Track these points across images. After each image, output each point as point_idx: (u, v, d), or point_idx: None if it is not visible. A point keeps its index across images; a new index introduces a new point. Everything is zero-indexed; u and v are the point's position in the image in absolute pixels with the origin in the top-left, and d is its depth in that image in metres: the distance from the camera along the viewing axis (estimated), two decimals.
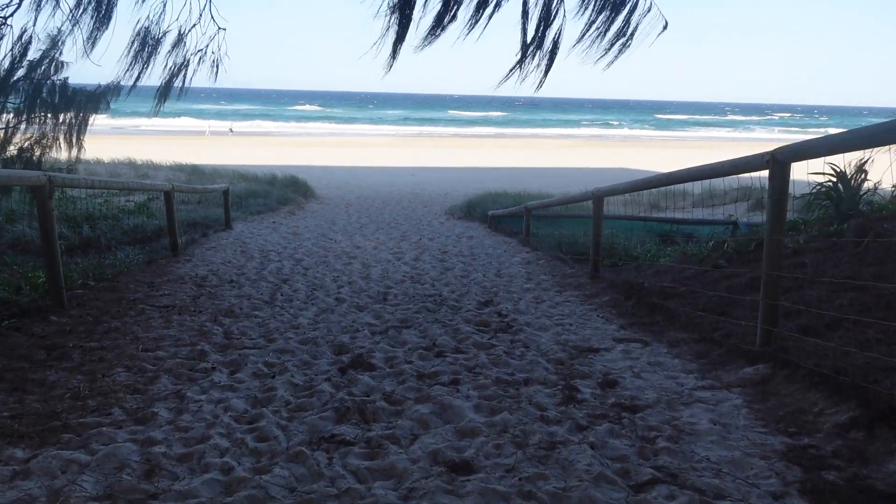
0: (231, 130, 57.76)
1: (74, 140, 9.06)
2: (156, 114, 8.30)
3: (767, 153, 4.13)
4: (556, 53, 6.40)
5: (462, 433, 3.27)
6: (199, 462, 2.89)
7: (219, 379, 3.95)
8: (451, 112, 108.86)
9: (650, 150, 47.56)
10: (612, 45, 6.29)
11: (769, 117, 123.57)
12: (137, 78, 7.33)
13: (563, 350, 4.70)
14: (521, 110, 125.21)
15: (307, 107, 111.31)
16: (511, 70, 6.51)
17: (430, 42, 6.15)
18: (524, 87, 6.65)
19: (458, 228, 13.42)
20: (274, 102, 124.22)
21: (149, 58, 7.22)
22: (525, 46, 6.24)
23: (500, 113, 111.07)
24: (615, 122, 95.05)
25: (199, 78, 8.23)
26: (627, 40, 6.26)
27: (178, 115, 71.08)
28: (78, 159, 10.34)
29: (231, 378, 4.01)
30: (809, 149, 3.90)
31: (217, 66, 7.82)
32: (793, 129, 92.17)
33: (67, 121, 9.02)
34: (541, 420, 3.42)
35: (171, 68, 7.52)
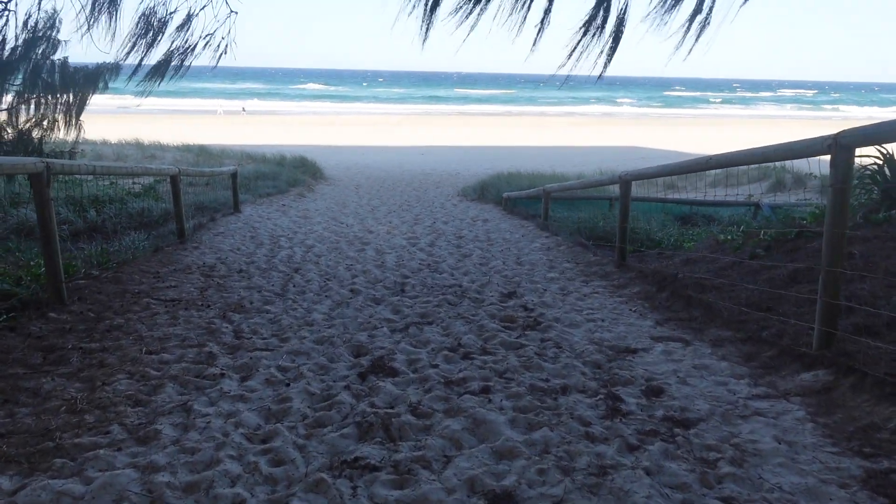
0: (244, 110, 57.69)
1: (73, 121, 8.70)
2: (147, 94, 7.95)
3: (829, 137, 3.73)
4: (621, 32, 5.92)
5: (499, 454, 2.93)
6: (208, 493, 2.57)
7: (229, 387, 3.62)
8: (458, 90, 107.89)
9: (661, 128, 46.90)
10: (690, 23, 5.77)
11: (778, 94, 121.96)
12: (141, 61, 6.96)
13: (598, 351, 4.36)
14: (528, 87, 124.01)
15: (312, 85, 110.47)
16: (573, 51, 6.04)
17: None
18: (580, 68, 6.20)
19: (473, 211, 13.05)
20: (278, 81, 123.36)
21: (153, 41, 6.84)
22: (587, 23, 5.77)
23: (506, 91, 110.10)
24: (624, 100, 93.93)
25: (201, 60, 7.89)
26: (706, 17, 5.73)
27: (186, 94, 70.83)
28: (77, 140, 9.99)
29: (242, 386, 3.68)
30: (881, 133, 3.51)
31: (224, 51, 7.45)
32: (805, 106, 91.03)
33: (66, 101, 8.68)
34: (586, 438, 3.08)
35: (173, 51, 7.13)
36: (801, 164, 19.90)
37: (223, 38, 7.55)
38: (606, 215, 11.04)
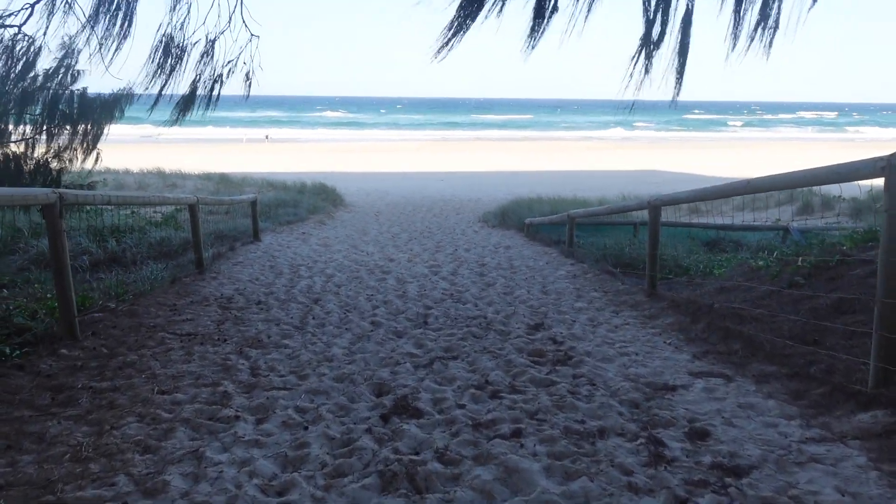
0: (267, 138, 58.43)
1: (91, 150, 8.64)
2: (172, 125, 7.83)
3: (882, 158, 3.49)
4: (687, 48, 5.65)
5: None
6: None
7: (243, 431, 3.40)
8: (474, 116, 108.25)
9: (680, 152, 46.56)
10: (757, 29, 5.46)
11: (798, 116, 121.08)
12: (161, 89, 6.86)
13: (634, 388, 4.10)
14: (544, 112, 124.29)
15: (331, 113, 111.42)
16: (633, 68, 5.77)
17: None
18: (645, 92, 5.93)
19: (494, 237, 12.83)
20: (298, 109, 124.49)
21: (172, 70, 6.74)
22: (647, 42, 5.53)
23: (523, 116, 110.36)
24: (641, 124, 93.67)
25: (230, 88, 7.78)
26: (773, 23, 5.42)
27: (208, 123, 71.52)
28: (93, 170, 9.94)
29: (257, 429, 3.46)
30: None
31: (250, 79, 7.31)
32: (827, 128, 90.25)
33: (84, 131, 8.63)
34: (629, 489, 2.83)
35: (197, 80, 7.02)
36: (828, 187, 19.51)
37: (245, 64, 7.42)
38: (632, 241, 10.78)
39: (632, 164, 37.70)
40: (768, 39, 5.43)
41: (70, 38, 7.94)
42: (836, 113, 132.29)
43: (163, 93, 7.78)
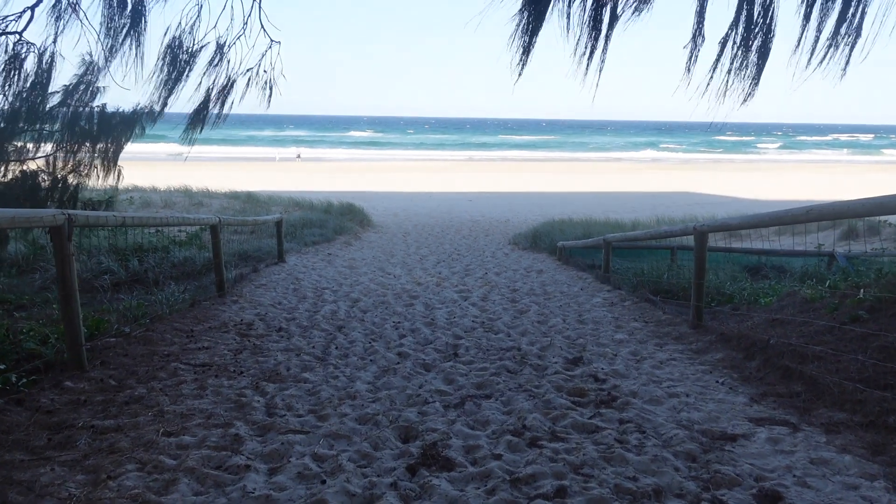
0: (299, 157, 59.00)
1: (112, 167, 8.42)
2: (190, 143, 7.55)
3: None
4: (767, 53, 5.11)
5: None
6: None
7: (253, 484, 3.03)
8: (502, 136, 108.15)
9: (712, 174, 45.83)
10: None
11: (831, 138, 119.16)
12: (165, 102, 6.54)
13: (690, 437, 3.67)
14: (573, 133, 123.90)
15: (358, 133, 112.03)
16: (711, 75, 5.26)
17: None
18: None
19: (525, 261, 12.43)
20: (326, 128, 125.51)
21: (178, 78, 6.40)
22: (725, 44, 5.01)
23: (550, 136, 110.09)
24: (671, 145, 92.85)
25: (248, 103, 7.46)
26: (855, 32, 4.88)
27: (238, 143, 72.76)
28: (116, 187, 9.75)
29: (269, 482, 3.09)
30: None
31: (270, 89, 6.95)
32: (862, 150, 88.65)
33: (103, 148, 8.42)
34: None
35: (210, 89, 6.69)
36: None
37: (265, 72, 7.05)
38: (670, 267, 10.32)
39: (663, 185, 37.12)
40: (845, 54, 4.93)
41: (90, 55, 7.75)
42: (873, 135, 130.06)
43: (168, 103, 7.48)
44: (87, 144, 8.18)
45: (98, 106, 8.07)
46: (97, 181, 10.31)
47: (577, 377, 4.89)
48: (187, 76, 6.62)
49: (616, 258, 11.37)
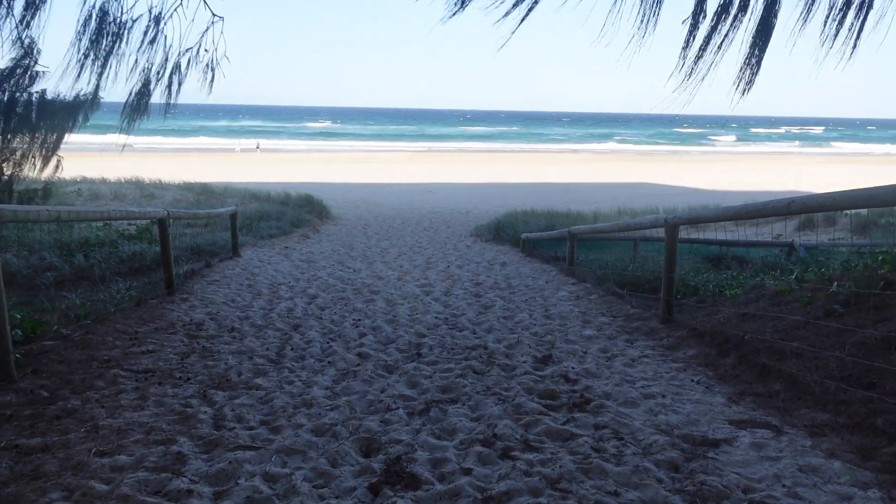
0: (258, 147, 58.19)
1: (50, 157, 7.92)
2: (128, 131, 7.07)
3: None
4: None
5: None
6: None
7: None
8: (463, 128, 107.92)
9: (672, 165, 46.25)
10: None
11: (786, 130, 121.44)
12: (98, 85, 6.03)
13: (670, 443, 3.44)
14: (533, 125, 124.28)
15: (318, 123, 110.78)
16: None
17: None
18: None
19: (489, 253, 12.19)
20: (283, 119, 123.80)
21: (108, 54, 5.89)
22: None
23: (511, 128, 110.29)
24: (629, 137, 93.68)
25: (189, 88, 6.99)
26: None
27: (192, 133, 71.50)
28: (52, 178, 9.24)
29: None
30: None
31: (213, 72, 6.45)
32: (813, 143, 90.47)
33: (42, 137, 7.92)
34: None
35: (147, 69, 6.19)
36: None
37: (206, 52, 6.50)
38: (634, 258, 10.17)
39: (622, 176, 37.27)
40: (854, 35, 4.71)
41: (29, 37, 7.25)
42: (822, 128, 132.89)
43: (101, 85, 6.95)
44: (25, 133, 7.66)
45: (37, 92, 7.55)
46: (34, 172, 9.77)
47: (547, 378, 4.65)
48: (118, 51, 6.08)
49: (579, 249, 11.20)
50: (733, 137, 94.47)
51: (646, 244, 12.33)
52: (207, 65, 6.37)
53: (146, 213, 7.52)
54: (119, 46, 6.00)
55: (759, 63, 5.03)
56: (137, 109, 6.68)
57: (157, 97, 6.69)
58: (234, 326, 6.11)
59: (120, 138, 6.97)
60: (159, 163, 36.40)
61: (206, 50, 6.41)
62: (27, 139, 7.71)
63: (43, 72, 7.39)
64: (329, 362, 5.04)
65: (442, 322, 6.52)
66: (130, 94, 6.44)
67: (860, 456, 3.27)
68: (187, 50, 6.28)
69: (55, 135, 7.71)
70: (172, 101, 6.74)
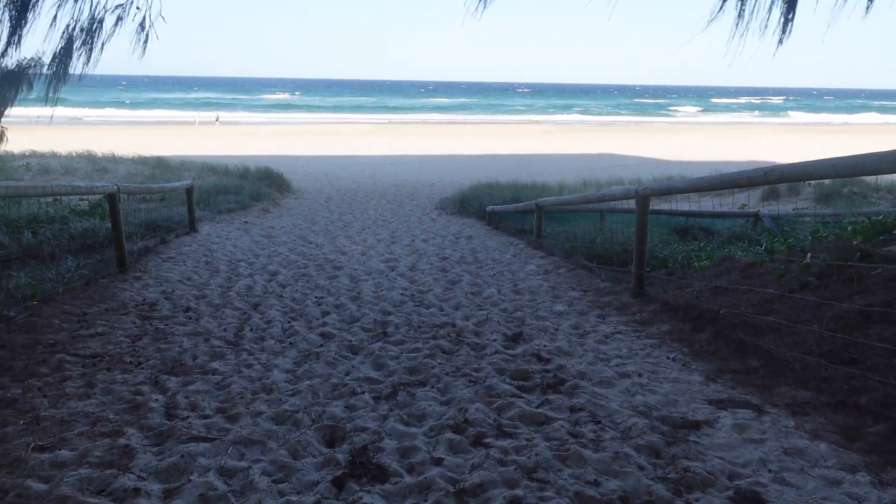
0: (217, 120, 57.18)
1: None
2: (53, 102, 6.65)
3: None
4: None
5: None
6: None
7: None
8: (424, 100, 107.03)
9: (634, 136, 46.37)
10: None
11: (747, 101, 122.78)
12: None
13: (649, 426, 3.29)
14: (494, 96, 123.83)
15: (276, 95, 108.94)
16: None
17: None
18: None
19: (454, 226, 11.98)
20: (241, 90, 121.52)
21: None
22: None
23: (472, 99, 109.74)
24: (592, 108, 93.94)
25: (119, 49, 6.47)
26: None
27: (149, 105, 69.92)
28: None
29: None
30: None
31: (146, 32, 5.97)
32: (772, 113, 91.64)
33: None
34: None
35: (70, 27, 5.71)
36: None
37: (138, 9, 5.97)
38: (602, 230, 10.05)
39: (585, 147, 37.22)
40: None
41: None
42: (782, 98, 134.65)
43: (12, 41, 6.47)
44: None
45: None
46: None
47: (518, 357, 4.47)
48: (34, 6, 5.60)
49: (546, 222, 11.04)
50: (696, 108, 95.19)
51: (613, 216, 12.24)
52: (141, 24, 5.89)
53: (94, 187, 7.13)
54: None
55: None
56: (57, 76, 6.21)
57: (80, 63, 6.19)
58: (189, 306, 5.82)
59: (46, 110, 6.51)
60: (113, 136, 35.38)
61: (138, 7, 5.92)
62: None
63: None
64: (290, 343, 4.81)
65: (408, 299, 6.31)
66: (53, 56, 5.95)
67: (845, 436, 3.15)
68: (117, 6, 5.79)
69: None
70: (91, 62, 6.24)
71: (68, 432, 3.16)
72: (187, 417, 3.39)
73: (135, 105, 71.15)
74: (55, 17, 5.82)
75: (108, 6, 5.85)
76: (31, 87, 7.65)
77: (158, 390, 3.78)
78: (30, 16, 5.55)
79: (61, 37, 5.64)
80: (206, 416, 3.43)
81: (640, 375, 4.08)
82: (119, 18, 5.61)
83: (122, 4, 5.61)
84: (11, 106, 7.68)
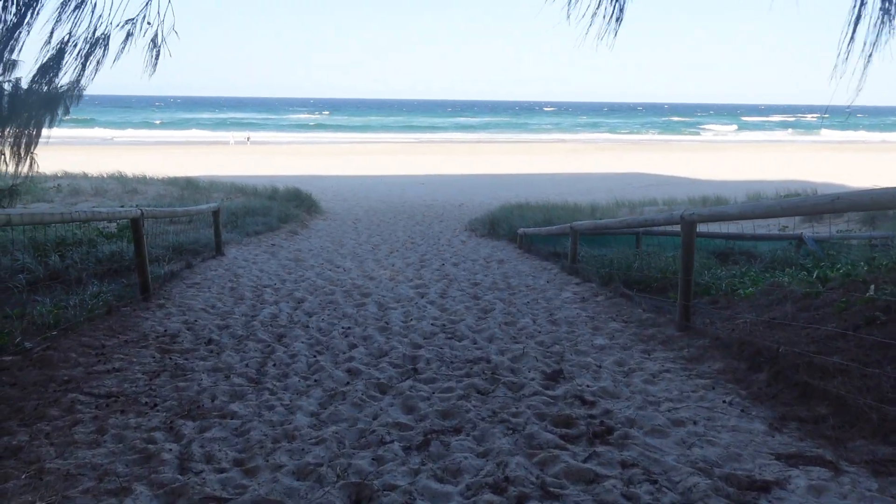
0: (248, 140, 58.10)
1: (23, 153, 7.32)
2: (55, 124, 6.46)
3: None
4: None
5: None
6: None
7: None
8: (451, 119, 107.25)
9: (662, 155, 45.81)
10: None
11: (783, 119, 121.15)
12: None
13: (712, 486, 2.94)
14: (520, 115, 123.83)
15: (305, 115, 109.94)
16: None
17: None
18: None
19: (484, 249, 11.67)
20: (269, 111, 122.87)
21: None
22: None
23: (498, 118, 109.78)
24: (618, 126, 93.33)
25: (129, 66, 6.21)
26: None
27: (180, 126, 70.97)
28: (28, 175, 8.62)
29: None
30: None
31: (158, 48, 5.71)
32: (804, 131, 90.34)
33: (15, 131, 7.31)
34: None
35: (64, 41, 5.42)
36: (831, 190, 18.57)
37: (149, 24, 5.66)
38: (639, 254, 9.67)
39: (614, 166, 36.81)
40: None
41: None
42: (816, 115, 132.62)
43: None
44: None
45: (10, 81, 6.92)
46: (9, 168, 9.19)
47: (560, 399, 4.13)
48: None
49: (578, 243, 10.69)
50: (731, 127, 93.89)
51: (648, 238, 11.84)
52: (152, 39, 5.65)
53: (116, 212, 6.94)
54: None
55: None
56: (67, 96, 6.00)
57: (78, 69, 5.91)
58: (211, 338, 5.57)
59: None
60: (145, 156, 35.74)
61: (149, 23, 5.66)
62: None
63: (20, 61, 6.74)
64: (315, 381, 4.52)
65: (439, 329, 6.00)
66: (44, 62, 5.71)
67: None
68: (128, 21, 5.52)
69: (32, 129, 7.08)
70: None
71: (73, 489, 2.89)
72: (201, 472, 3.10)
73: (166, 125, 72.18)
74: (51, 31, 5.63)
75: (116, 21, 5.59)
76: (67, 110, 7.49)
77: (173, 437, 3.51)
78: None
79: (56, 51, 5.42)
80: (222, 470, 3.14)
81: (695, 423, 3.72)
82: (129, 34, 5.35)
83: (132, 19, 5.34)
84: (49, 125, 7.51)
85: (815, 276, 7.01)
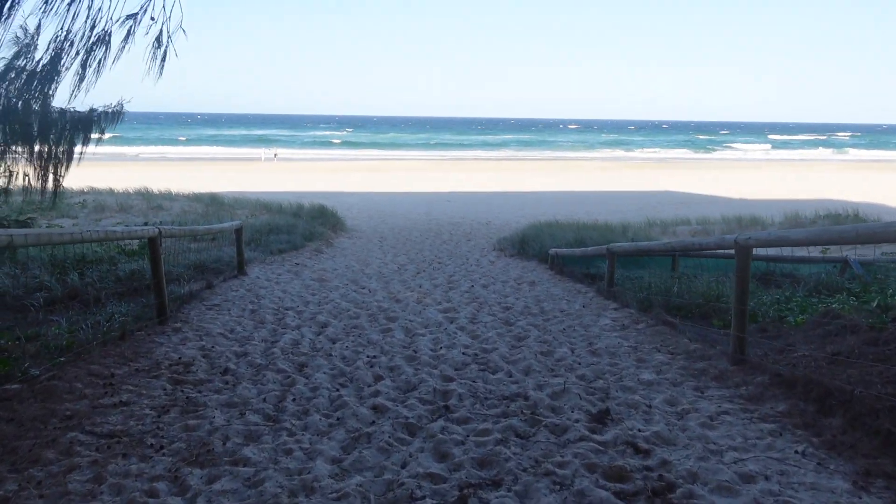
0: (276, 156, 58.64)
1: (51, 175, 7.06)
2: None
3: None
4: None
5: None
6: None
7: None
8: (475, 136, 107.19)
9: (691, 172, 45.13)
10: None
11: (811, 137, 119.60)
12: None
13: None
14: (544, 133, 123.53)
15: (331, 132, 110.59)
16: None
17: None
18: None
19: (514, 270, 11.25)
20: (292, 127, 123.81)
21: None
22: None
23: (522, 135, 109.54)
24: (649, 144, 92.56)
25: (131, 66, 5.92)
26: None
27: (210, 142, 71.74)
28: (55, 197, 8.38)
29: None
30: None
31: (164, 48, 5.32)
32: (841, 150, 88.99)
33: (46, 152, 7.07)
34: None
35: (60, 39, 5.11)
36: (872, 211, 17.99)
37: (152, 20, 5.27)
38: (677, 277, 9.19)
39: (643, 184, 36.23)
40: None
41: (26, 33, 6.44)
42: (849, 134, 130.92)
43: None
44: (21, 148, 6.79)
45: (39, 97, 6.69)
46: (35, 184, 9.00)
47: (610, 446, 3.70)
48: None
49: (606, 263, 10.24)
50: (764, 146, 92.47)
51: (685, 260, 11.35)
52: (157, 38, 5.26)
53: (133, 232, 6.63)
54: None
55: None
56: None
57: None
58: (227, 367, 5.21)
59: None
60: (171, 172, 35.84)
61: (152, 18, 5.25)
62: (26, 155, 6.84)
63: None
64: (338, 419, 4.13)
65: (471, 360, 5.59)
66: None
67: None
68: (129, 16, 5.14)
69: (65, 147, 6.82)
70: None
71: None
72: None
73: (192, 142, 72.89)
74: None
75: (119, 15, 5.22)
76: (102, 132, 7.20)
77: (177, 489, 3.13)
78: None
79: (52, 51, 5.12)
80: None
81: (766, 479, 3.27)
82: (129, 32, 4.99)
83: (134, 14, 4.98)
84: (84, 146, 7.23)
85: (875, 304, 6.53)
